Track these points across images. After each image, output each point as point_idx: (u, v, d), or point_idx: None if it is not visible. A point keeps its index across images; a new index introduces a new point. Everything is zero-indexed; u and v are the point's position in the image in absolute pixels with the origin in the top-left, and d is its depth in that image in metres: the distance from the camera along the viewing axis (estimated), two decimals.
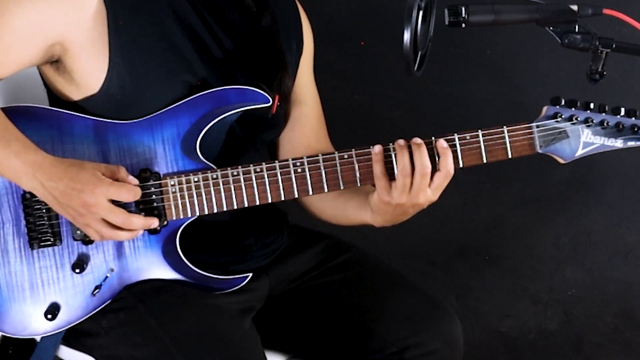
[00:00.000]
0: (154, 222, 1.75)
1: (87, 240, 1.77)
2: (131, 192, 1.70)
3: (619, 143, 1.75)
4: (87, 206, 1.67)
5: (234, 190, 1.77)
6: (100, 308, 1.79)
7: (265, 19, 1.90)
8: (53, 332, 1.79)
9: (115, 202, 1.69)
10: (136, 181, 1.73)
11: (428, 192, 1.74)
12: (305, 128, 2.00)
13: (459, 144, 1.75)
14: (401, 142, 1.74)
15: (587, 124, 1.75)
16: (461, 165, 1.76)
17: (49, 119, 1.77)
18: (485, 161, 1.76)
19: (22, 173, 1.67)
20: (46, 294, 1.78)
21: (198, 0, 1.83)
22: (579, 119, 1.75)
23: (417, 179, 1.73)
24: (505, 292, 2.99)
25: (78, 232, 1.76)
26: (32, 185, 1.68)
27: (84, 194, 1.66)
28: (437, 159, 1.74)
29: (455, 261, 3.00)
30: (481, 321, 2.99)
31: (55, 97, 1.84)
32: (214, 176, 1.77)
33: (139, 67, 1.77)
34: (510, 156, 1.76)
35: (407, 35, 1.63)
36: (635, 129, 1.74)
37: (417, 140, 1.74)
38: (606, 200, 2.90)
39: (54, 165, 1.67)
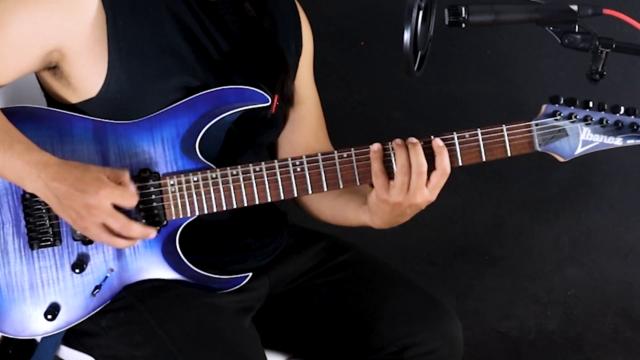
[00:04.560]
0: (152, 233, 1.73)
1: (86, 241, 1.77)
2: (133, 198, 1.69)
3: (618, 141, 1.75)
4: (88, 208, 1.66)
5: (234, 189, 1.77)
6: (100, 308, 1.80)
7: (265, 22, 1.90)
8: (53, 333, 1.79)
9: (116, 208, 1.69)
10: (135, 187, 1.72)
11: (425, 192, 1.74)
12: (305, 129, 2.00)
13: (458, 142, 1.75)
14: (399, 141, 1.74)
15: (586, 122, 1.75)
16: (460, 164, 1.76)
17: (48, 120, 1.77)
18: (484, 160, 1.76)
19: (25, 174, 1.67)
20: (46, 294, 1.78)
21: (196, 3, 1.84)
22: (578, 117, 1.75)
23: (414, 177, 1.73)
24: (505, 292, 2.99)
25: (78, 232, 1.76)
26: (36, 185, 1.68)
27: (87, 195, 1.66)
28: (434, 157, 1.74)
29: (456, 261, 3.00)
30: (481, 321, 2.99)
31: (53, 100, 1.84)
32: (214, 176, 1.77)
33: (137, 71, 1.77)
34: (509, 154, 1.76)
35: (407, 35, 1.64)
36: (635, 127, 1.74)
37: (413, 139, 1.74)
38: (606, 200, 2.90)
39: (59, 165, 1.67)
